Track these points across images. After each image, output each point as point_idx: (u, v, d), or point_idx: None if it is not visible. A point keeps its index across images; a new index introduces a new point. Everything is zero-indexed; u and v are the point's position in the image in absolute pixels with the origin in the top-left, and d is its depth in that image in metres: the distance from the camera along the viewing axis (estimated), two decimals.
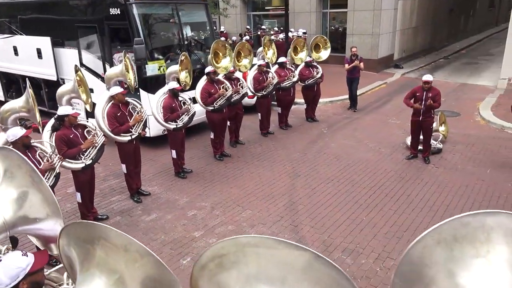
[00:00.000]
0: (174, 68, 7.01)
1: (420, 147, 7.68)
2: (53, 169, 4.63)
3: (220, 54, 7.67)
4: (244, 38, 15.26)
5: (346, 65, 10.43)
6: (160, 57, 8.60)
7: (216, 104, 7.43)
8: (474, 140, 8.49)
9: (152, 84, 7.82)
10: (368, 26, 15.17)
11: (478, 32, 28.48)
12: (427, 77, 7.25)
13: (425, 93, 7.21)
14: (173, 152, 7.03)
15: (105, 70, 8.10)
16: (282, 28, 18.54)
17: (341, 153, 8.06)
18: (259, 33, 17.71)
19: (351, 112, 10.88)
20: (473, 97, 12.09)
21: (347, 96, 11.26)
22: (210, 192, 6.61)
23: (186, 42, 8.79)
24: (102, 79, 7.92)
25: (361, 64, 10.32)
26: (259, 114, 9.15)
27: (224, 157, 7.98)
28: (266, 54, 9.10)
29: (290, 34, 15.80)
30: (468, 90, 13.09)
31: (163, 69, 8.20)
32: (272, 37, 15.37)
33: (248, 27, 19.61)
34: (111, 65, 8.07)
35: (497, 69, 16.24)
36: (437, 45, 21.30)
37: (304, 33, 15.96)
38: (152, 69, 8.02)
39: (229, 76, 7.93)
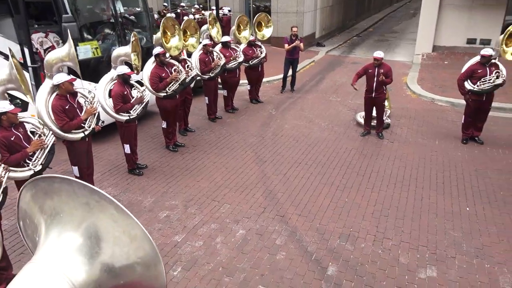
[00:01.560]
0: (123, 50, 6.03)
1: (372, 123, 7.90)
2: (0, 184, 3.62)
3: (169, 33, 6.83)
4: (170, 15, 14.10)
5: (286, 45, 10.14)
6: (90, 37, 7.42)
7: (169, 89, 6.67)
8: (413, 114, 9.03)
9: (89, 69, 6.69)
10: (293, 4, 15.17)
11: (378, 11, 30.74)
12: (378, 54, 7.39)
13: (376, 69, 7.35)
14: (126, 146, 6.15)
15: (23, 55, 6.69)
16: (202, 6, 17.70)
17: (298, 134, 7.93)
18: (178, 11, 16.59)
19: (291, 92, 10.79)
20: (396, 72, 12.89)
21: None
22: (176, 188, 5.95)
23: (120, 20, 7.68)
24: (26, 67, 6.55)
25: (301, 44, 10.21)
26: (206, 98, 8.53)
27: (178, 147, 7.28)
28: (218, 33, 8.43)
29: (214, 12, 15.13)
30: (391, 65, 13.90)
31: (97, 51, 7.09)
32: (197, 15, 14.54)
33: (166, 4, 18.27)
34: (30, 48, 6.68)
35: (406, 45, 17.69)
36: (348, 24, 22.39)
37: (229, 11, 15.41)
38: (84, 51, 6.86)
39: (176, 58, 7.15)
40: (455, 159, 6.77)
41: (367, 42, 18.77)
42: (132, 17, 8.53)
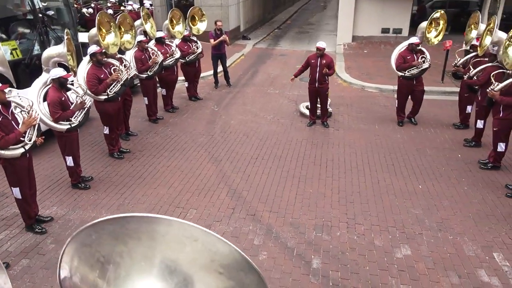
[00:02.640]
0: (55, 50, 5.31)
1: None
2: None
3: (104, 30, 6.21)
4: (87, 10, 13.00)
5: (212, 41, 9.86)
6: (3, 36, 6.49)
7: (110, 91, 6.09)
8: (349, 101, 9.47)
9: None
10: None
11: (292, 4, 31.71)
12: (320, 44, 7.58)
13: (319, 59, 7.53)
14: (69, 159, 5.49)
15: None
16: (117, 0, 16.58)
17: (247, 130, 7.83)
18: (92, 5, 15.33)
19: (228, 87, 10.62)
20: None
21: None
22: (133, 199, 5.49)
23: (40, 16, 6.79)
24: None
25: (227, 38, 10.04)
26: (145, 98, 8.00)
27: (124, 154, 6.73)
28: (152, 28, 7.88)
29: (131, 7, 14.31)
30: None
31: (17, 53, 6.22)
32: (110, 10, 13.58)
33: None
34: None
35: (326, 36, 18.47)
36: (267, 17, 22.74)
37: (151, 5, 14.66)
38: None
39: (112, 56, 6.56)
40: (396, 141, 7.25)
41: (289, 34, 19.25)
42: (51, 13, 7.62)
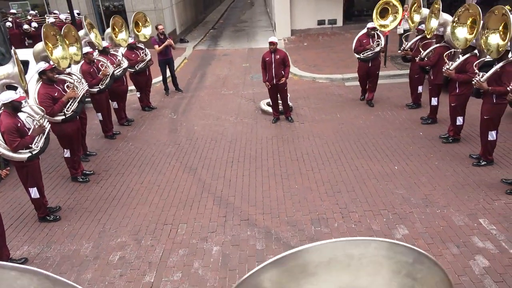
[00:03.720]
0: (3, 71, 4.70)
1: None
2: None
3: (50, 44, 5.63)
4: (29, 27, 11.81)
5: (156, 47, 9.45)
6: None
7: (67, 110, 5.56)
8: (304, 94, 9.62)
9: None
10: (149, 1, 14.34)
11: (220, 3, 31.59)
12: (272, 38, 7.58)
13: (272, 55, 7.53)
14: (33, 190, 4.93)
15: None
16: (37, 12, 15.33)
17: (213, 134, 7.63)
18: (10, 19, 13.96)
19: (180, 93, 10.27)
20: None
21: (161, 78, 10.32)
22: (113, 223, 5.07)
23: None
24: None
25: (172, 42, 9.70)
26: (99, 114, 7.44)
27: (88, 176, 6.20)
28: (96, 38, 7.31)
29: (62, 17, 13.34)
30: (260, 53, 14.40)
31: None
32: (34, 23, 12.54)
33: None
34: None
35: (263, 32, 18.63)
36: (200, 18, 22.41)
37: (78, 14, 13.68)
38: None
39: (61, 72, 5.99)
40: (361, 127, 7.49)
41: (226, 34, 19.13)
42: None
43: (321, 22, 15.56)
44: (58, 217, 5.20)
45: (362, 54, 7.96)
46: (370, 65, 8.05)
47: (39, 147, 4.78)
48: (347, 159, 6.30)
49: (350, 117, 7.97)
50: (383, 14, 8.13)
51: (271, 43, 7.51)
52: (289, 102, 8.40)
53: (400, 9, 7.98)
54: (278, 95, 7.88)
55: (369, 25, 7.91)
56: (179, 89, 10.35)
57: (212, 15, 25.61)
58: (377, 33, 7.95)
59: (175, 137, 7.59)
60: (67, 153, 5.87)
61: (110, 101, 7.95)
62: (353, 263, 1.01)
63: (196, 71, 12.50)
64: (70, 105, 5.59)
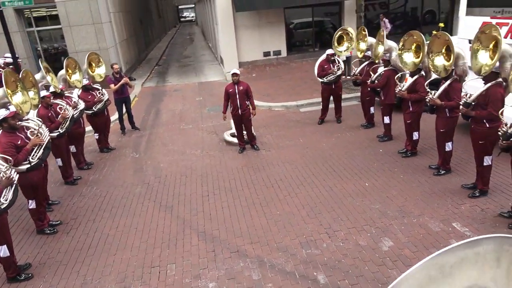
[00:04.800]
0: None
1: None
2: None
3: (9, 90, 5.32)
4: None
5: (112, 86, 9.31)
6: None
7: (32, 158, 5.23)
8: (264, 123, 9.87)
9: None
10: (92, 41, 14.05)
11: (159, 40, 31.70)
12: (235, 70, 7.83)
13: (236, 86, 7.73)
14: (3, 248, 4.50)
15: None
16: None
17: (181, 169, 7.53)
18: None
19: (138, 131, 10.05)
20: (221, 90, 13.69)
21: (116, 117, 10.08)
22: (95, 273, 4.76)
23: None
24: None
25: (128, 80, 9.62)
26: (59, 159, 7.04)
27: (56, 227, 5.80)
28: (53, 81, 6.99)
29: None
30: (211, 86, 14.69)
31: None
32: None
33: None
34: None
35: (210, 66, 18.97)
36: (142, 55, 22.29)
37: (17, 57, 13.00)
38: None
39: (19, 118, 5.65)
40: (324, 149, 7.83)
41: (172, 69, 19.18)
42: None
43: (266, 54, 16.22)
44: (30, 275, 4.77)
45: (325, 78, 8.62)
46: (333, 87, 8.78)
47: (8, 200, 4.42)
48: (320, 181, 6.53)
49: (312, 141, 8.30)
50: (340, 41, 8.80)
51: (234, 75, 7.74)
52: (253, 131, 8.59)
53: (354, 37, 8.67)
54: (243, 125, 8.04)
55: (329, 51, 8.66)
56: (135, 128, 10.14)
57: (153, 52, 25.62)
58: (336, 58, 8.57)
59: (142, 177, 7.38)
60: (32, 204, 5.47)
61: (70, 145, 7.60)
62: (479, 259, 1.12)
63: (150, 108, 12.34)
64: (35, 152, 5.26)
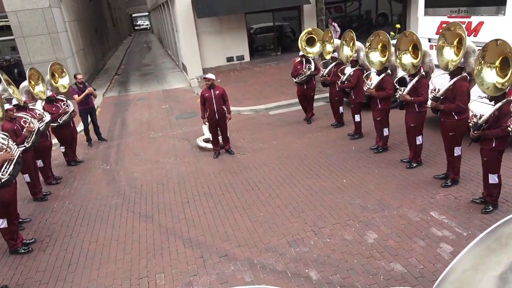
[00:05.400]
0: None
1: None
2: None
3: None
4: None
5: (76, 96, 8.96)
6: None
7: (3, 174, 4.93)
8: (235, 127, 9.84)
9: None
10: (49, 51, 13.45)
11: (115, 49, 30.88)
12: (209, 75, 7.78)
13: (212, 91, 7.69)
14: None
15: None
16: None
17: (157, 178, 7.37)
18: None
19: (105, 142, 9.73)
20: (187, 97, 13.63)
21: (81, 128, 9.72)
22: None
23: None
24: None
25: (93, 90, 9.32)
26: (26, 175, 6.68)
27: (30, 245, 5.48)
28: (14, 93, 6.61)
29: None
30: (176, 93, 14.50)
31: None
32: None
33: None
34: None
35: (172, 74, 18.76)
36: (100, 65, 21.62)
37: None
38: None
39: None
40: (299, 150, 7.96)
41: (133, 78, 18.74)
42: None
43: (230, 59, 16.26)
44: None
45: (298, 78, 8.88)
46: (305, 87, 9.03)
47: None
48: (299, 181, 6.63)
49: (286, 143, 8.41)
50: (312, 42, 9.02)
51: (206, 79, 7.70)
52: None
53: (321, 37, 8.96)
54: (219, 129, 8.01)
55: (301, 53, 8.89)
56: (102, 138, 9.81)
57: (111, 61, 24.92)
58: (308, 59, 8.77)
59: (116, 188, 7.14)
60: (3, 223, 5.13)
61: (37, 158, 7.22)
62: None
63: (114, 118, 11.98)
64: (5, 168, 4.96)
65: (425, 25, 7.73)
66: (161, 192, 6.79)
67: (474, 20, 6.49)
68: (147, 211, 6.19)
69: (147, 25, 69.25)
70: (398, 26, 12.26)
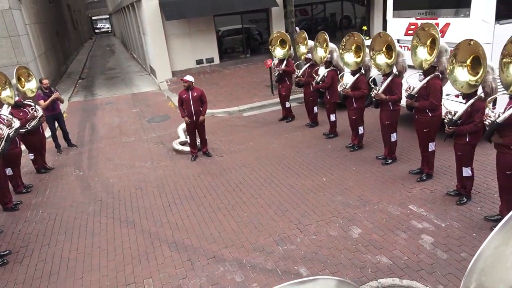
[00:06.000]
0: None
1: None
2: None
3: None
4: None
5: (42, 102, 8.58)
6: None
7: None
8: (210, 129, 9.70)
9: None
10: (10, 55, 12.81)
11: (76, 52, 29.86)
12: (187, 77, 7.69)
13: (190, 93, 7.62)
14: None
15: None
16: None
17: (134, 183, 7.21)
18: None
19: (75, 148, 9.39)
20: (158, 100, 13.41)
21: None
22: None
23: None
24: None
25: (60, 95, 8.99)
26: None
27: (5, 257, 5.19)
28: None
29: None
30: (146, 97, 14.23)
31: None
32: None
33: None
34: None
35: (139, 77, 18.40)
36: (62, 69, 20.84)
37: None
38: None
39: None
40: (276, 150, 8.04)
41: (99, 82, 18.21)
42: None
43: (199, 62, 16.15)
44: None
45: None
46: (280, 86, 9.35)
47: None
48: (280, 180, 6.69)
49: (263, 144, 8.47)
50: (285, 45, 9.15)
51: (184, 81, 7.62)
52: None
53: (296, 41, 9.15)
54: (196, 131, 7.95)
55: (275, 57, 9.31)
56: (72, 144, 9.47)
57: (73, 65, 24.10)
58: (282, 60, 9.02)
59: (92, 194, 6.92)
60: None
61: (5, 167, 6.86)
62: None
63: (83, 123, 11.58)
64: None
65: (394, 27, 8.03)
66: (140, 197, 6.64)
67: (441, 21, 6.83)
68: (127, 217, 6.04)
69: (107, 28, 67.41)
70: (365, 28, 12.68)
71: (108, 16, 63.10)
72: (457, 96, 5.58)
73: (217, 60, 16.40)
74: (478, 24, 6.30)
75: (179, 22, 15.29)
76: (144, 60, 19.88)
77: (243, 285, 4.33)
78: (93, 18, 65.39)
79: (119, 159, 8.47)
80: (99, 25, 69.26)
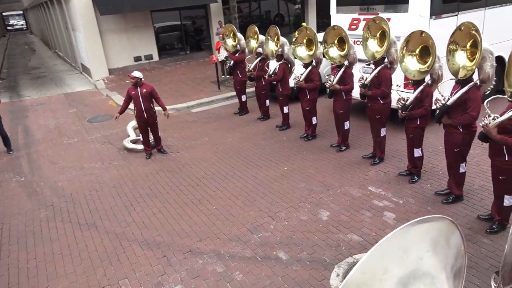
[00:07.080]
0: None
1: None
2: None
3: None
4: None
5: None
6: None
7: None
8: (160, 126, 9.39)
9: None
10: None
11: None
12: (134, 73, 7.45)
13: (138, 90, 7.39)
14: None
15: None
16: None
17: (88, 185, 6.80)
18: None
19: (11, 153, 8.58)
20: (96, 99, 12.69)
21: None
22: None
23: None
24: None
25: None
26: None
27: None
28: None
29: None
30: (81, 96, 13.36)
31: None
32: None
33: None
34: None
35: (71, 76, 17.29)
36: None
37: None
38: None
39: None
40: (233, 143, 8.08)
41: (24, 83, 16.72)
42: None
43: (138, 59, 15.56)
44: None
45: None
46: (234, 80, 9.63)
47: None
48: (242, 172, 6.76)
49: (218, 138, 8.46)
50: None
51: (130, 77, 7.37)
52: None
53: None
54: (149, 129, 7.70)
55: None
56: (10, 149, 8.64)
57: None
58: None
59: (41, 200, 6.40)
60: None
61: None
62: None
63: (14, 126, 10.59)
64: None
65: (337, 22, 8.46)
66: (97, 199, 6.29)
67: (383, 16, 7.36)
68: (87, 220, 5.69)
69: (22, 25, 61.86)
70: (304, 24, 13.18)
71: (22, 12, 57.92)
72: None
73: (156, 57, 15.93)
74: (416, 19, 6.90)
75: (115, 17, 14.59)
76: (73, 58, 18.63)
77: (225, 274, 4.34)
78: (3, 13, 59.53)
79: (64, 161, 7.91)
80: (11, 22, 63.23)
